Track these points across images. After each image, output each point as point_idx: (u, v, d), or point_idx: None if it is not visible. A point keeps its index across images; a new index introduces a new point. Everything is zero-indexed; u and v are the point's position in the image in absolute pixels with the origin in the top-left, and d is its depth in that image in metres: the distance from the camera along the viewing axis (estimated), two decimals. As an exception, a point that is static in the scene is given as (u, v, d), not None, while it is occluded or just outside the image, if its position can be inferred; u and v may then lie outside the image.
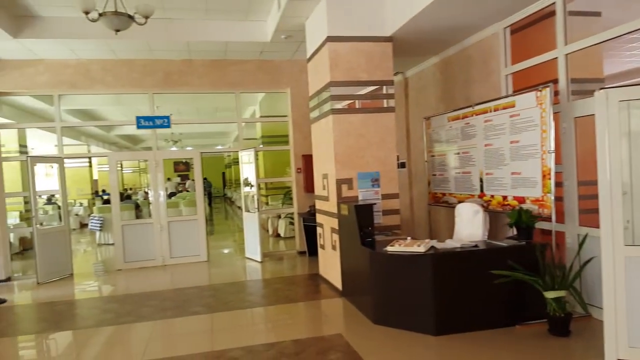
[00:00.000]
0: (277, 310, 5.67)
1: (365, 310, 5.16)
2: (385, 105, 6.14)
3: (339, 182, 6.02)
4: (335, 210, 6.09)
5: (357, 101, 6.13)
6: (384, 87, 6.11)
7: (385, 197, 6.12)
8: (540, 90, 4.71)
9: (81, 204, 18.23)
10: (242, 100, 9.13)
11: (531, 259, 4.51)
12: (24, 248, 11.57)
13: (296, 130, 9.02)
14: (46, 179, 19.53)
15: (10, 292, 7.38)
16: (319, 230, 7.00)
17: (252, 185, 8.71)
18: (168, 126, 8.78)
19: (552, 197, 4.62)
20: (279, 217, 11.60)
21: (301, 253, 9.04)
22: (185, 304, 6.06)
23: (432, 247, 4.70)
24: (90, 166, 19.50)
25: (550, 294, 4.25)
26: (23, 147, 11.74)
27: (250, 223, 8.68)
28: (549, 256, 4.52)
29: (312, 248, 8.67)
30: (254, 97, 11.95)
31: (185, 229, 8.75)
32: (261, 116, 12.22)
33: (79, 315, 5.93)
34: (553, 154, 4.60)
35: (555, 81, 4.98)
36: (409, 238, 4.88)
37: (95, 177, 22.44)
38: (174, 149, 20.19)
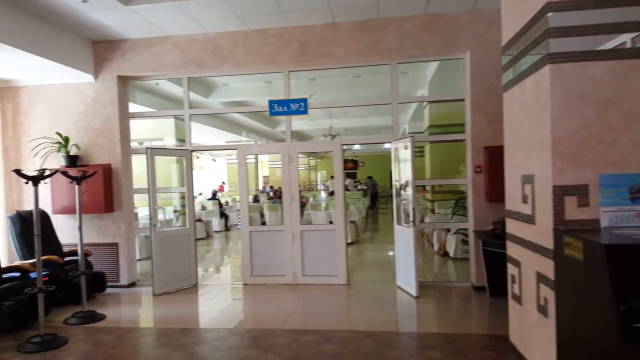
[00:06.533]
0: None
1: None
2: (666, 42, 2.97)
3: (559, 192, 3.06)
4: (548, 242, 3.16)
5: (600, 37, 3.07)
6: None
7: (662, 225, 2.95)
8: None
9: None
10: (405, 80, 6.58)
11: None
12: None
13: (477, 111, 6.10)
14: (212, 174, 19.81)
15: (116, 303, 6.18)
16: (511, 269, 4.07)
17: (406, 186, 6.14)
18: (305, 112, 6.68)
19: None
20: (449, 229, 8.71)
21: (478, 289, 6.09)
22: (290, 366, 3.83)
23: None
24: (256, 162, 19.05)
25: None
26: (181, 142, 11.05)
27: (404, 241, 6.06)
28: None
29: (496, 283, 5.71)
30: (421, 76, 9.24)
31: (322, 241, 6.57)
32: (418, 100, 9.34)
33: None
34: None
35: None
36: None
37: (265, 173, 22.27)
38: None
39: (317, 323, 4.94)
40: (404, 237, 6.05)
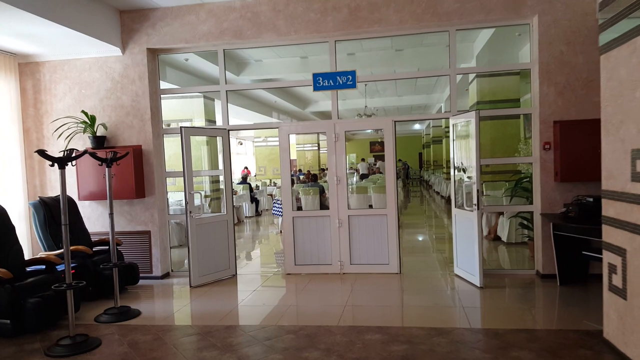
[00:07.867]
0: None
1: None
2: None
3: (696, 168, 2.63)
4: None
5: None
6: None
7: None
8: None
9: (275, 184, 17.53)
10: (449, 52, 6.07)
11: None
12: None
13: (545, 82, 5.58)
14: (238, 157, 19.49)
15: (151, 297, 5.89)
16: (609, 258, 3.63)
17: (464, 169, 5.70)
18: (353, 85, 6.27)
19: None
20: (501, 212, 8.23)
21: (545, 277, 5.66)
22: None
23: None
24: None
25: None
26: (211, 123, 10.72)
27: (465, 226, 5.63)
28: None
29: (567, 271, 5.32)
30: (467, 49, 8.70)
31: (372, 227, 6.20)
32: (480, 71, 8.65)
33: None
34: None
35: None
36: None
37: (293, 156, 21.94)
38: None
39: (377, 318, 4.58)
40: (465, 222, 5.64)
